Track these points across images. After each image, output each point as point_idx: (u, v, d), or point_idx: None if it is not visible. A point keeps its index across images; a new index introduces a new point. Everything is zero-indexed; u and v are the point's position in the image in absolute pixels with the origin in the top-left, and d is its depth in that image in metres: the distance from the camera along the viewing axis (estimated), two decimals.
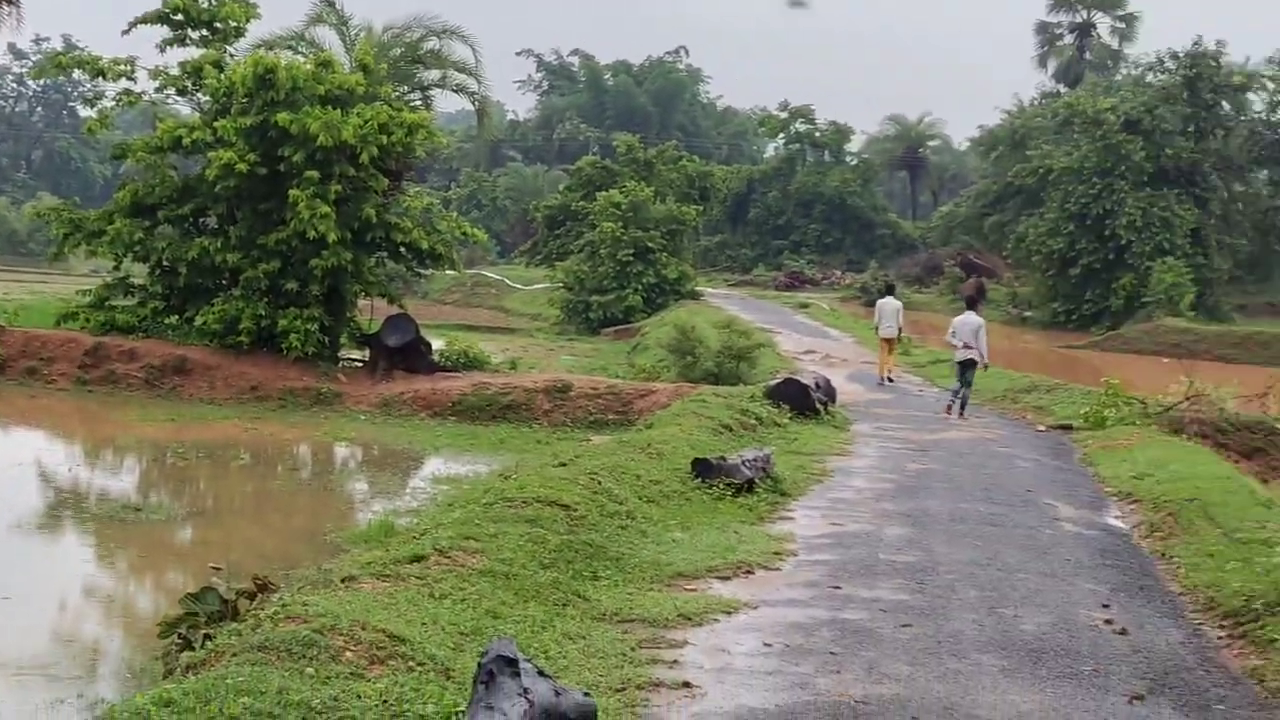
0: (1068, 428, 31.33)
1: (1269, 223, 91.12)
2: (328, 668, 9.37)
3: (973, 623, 13.28)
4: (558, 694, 8.84)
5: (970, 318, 32.24)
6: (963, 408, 32.03)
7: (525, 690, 8.44)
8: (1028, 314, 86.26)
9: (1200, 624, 14.25)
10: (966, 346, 31.68)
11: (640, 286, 66.40)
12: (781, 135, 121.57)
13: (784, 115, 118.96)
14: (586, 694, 9.30)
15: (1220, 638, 13.71)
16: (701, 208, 79.02)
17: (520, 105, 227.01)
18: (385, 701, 9.02)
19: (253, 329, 35.47)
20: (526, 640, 11.05)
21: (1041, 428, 31.91)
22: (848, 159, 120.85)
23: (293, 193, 34.90)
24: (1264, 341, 69.46)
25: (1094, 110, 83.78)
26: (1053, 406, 34.68)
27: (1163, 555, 17.92)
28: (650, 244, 66.90)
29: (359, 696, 8.96)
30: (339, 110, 35.56)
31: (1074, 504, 21.54)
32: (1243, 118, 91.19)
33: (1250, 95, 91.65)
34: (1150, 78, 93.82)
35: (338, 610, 10.47)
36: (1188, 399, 33.44)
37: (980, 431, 29.92)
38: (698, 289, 72.81)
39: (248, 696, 8.35)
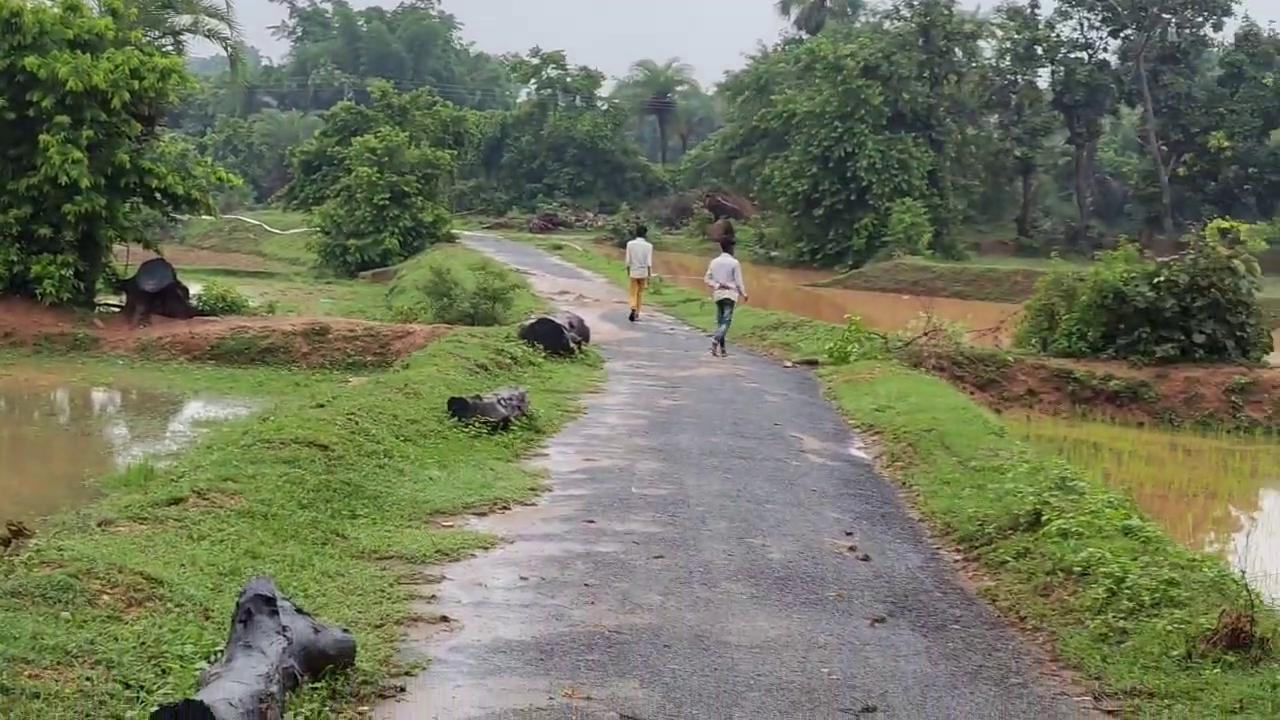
0: (813, 363, 31.79)
1: (999, 164, 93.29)
2: (84, 611, 9.16)
3: (723, 553, 13.43)
4: (316, 631, 8.78)
5: (725, 259, 32.60)
6: (722, 344, 32.37)
7: (283, 628, 8.37)
8: (774, 253, 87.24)
9: (938, 548, 14.61)
10: (723, 286, 32.02)
11: (397, 230, 65.69)
12: (533, 81, 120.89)
13: (536, 61, 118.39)
14: (345, 630, 9.26)
15: (956, 561, 14.08)
16: (456, 152, 78.25)
17: (275, 51, 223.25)
18: (143, 643, 8.86)
19: (5, 275, 34.37)
20: (285, 579, 10.91)
21: (788, 363, 32.34)
22: (598, 104, 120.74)
23: (43, 138, 33.82)
24: (996, 278, 71.13)
25: (834, 56, 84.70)
26: (799, 343, 35.13)
27: (903, 484, 18.32)
28: (406, 188, 66.20)
29: (116, 639, 8.79)
30: (89, 55, 34.52)
31: (819, 436, 21.89)
32: (974, 64, 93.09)
33: (981, 42, 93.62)
34: (887, 25, 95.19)
35: (94, 554, 10.22)
36: (926, 334, 34.18)
37: (730, 368, 30.22)
38: (454, 232, 72.21)
39: (1, 642, 8.12)
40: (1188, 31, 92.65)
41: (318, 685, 8.61)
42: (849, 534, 14.73)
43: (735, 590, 12.09)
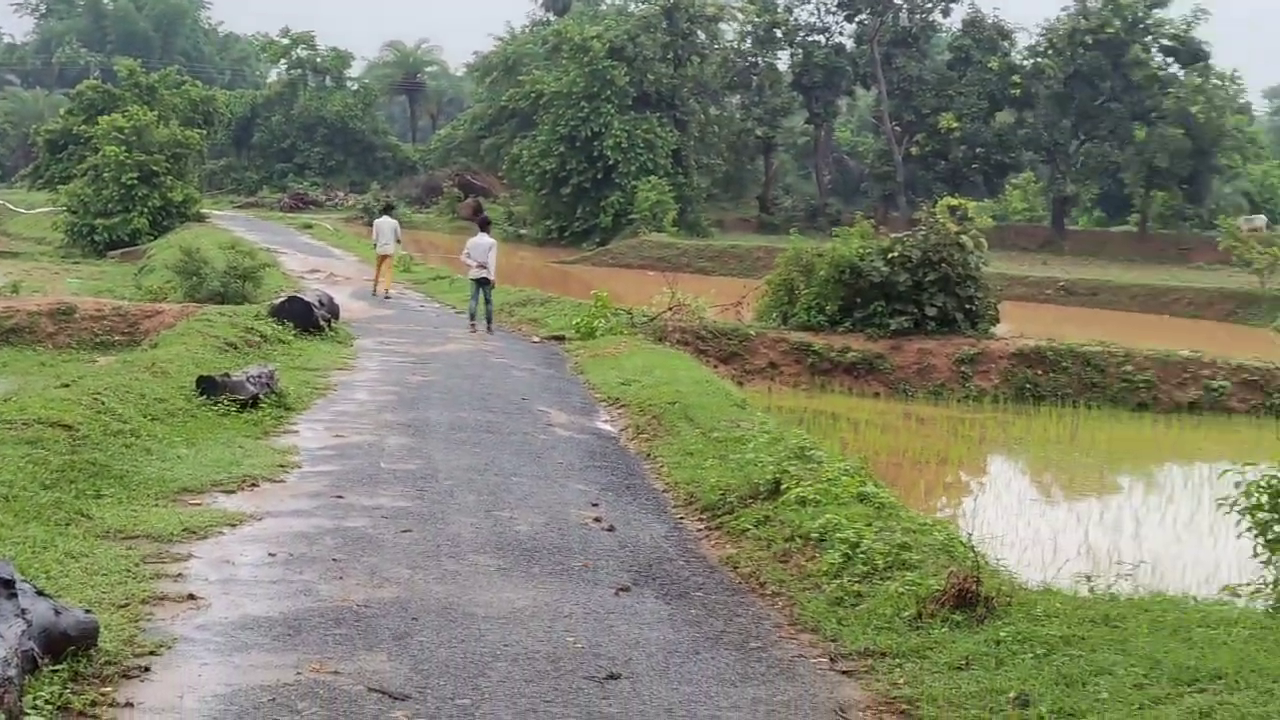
0: (561, 338, 31.84)
1: (741, 144, 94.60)
2: None
3: (470, 526, 13.36)
4: (58, 613, 8.53)
5: (483, 238, 32.37)
6: (489, 322, 32.21)
7: (22, 611, 8.12)
8: (523, 231, 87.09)
9: (681, 518, 14.73)
10: (481, 266, 31.82)
11: (146, 209, 64.23)
12: (283, 61, 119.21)
13: (286, 41, 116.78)
14: (88, 611, 9.01)
15: (699, 530, 14.20)
16: (206, 132, 76.74)
17: (18, 29, 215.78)
18: None
19: None
20: (26, 561, 10.53)
21: (536, 339, 32.33)
22: (349, 84, 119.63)
23: None
24: (739, 254, 72.00)
25: (581, 38, 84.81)
26: (547, 319, 35.13)
27: (648, 455, 18.43)
28: (155, 167, 64.77)
29: None
30: None
31: (566, 410, 21.92)
32: (717, 46, 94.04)
33: (723, 25, 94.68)
34: (633, 7, 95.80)
35: None
36: (670, 309, 34.41)
37: (478, 343, 30.11)
38: (204, 211, 70.87)
39: None
40: (918, 16, 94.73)
41: (59, 667, 8.35)
42: (595, 505, 14.77)
43: (483, 562, 12.04)
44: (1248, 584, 12.88)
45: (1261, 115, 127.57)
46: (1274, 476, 13.32)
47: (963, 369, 32.61)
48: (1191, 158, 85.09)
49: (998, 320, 35.36)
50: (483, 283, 32.01)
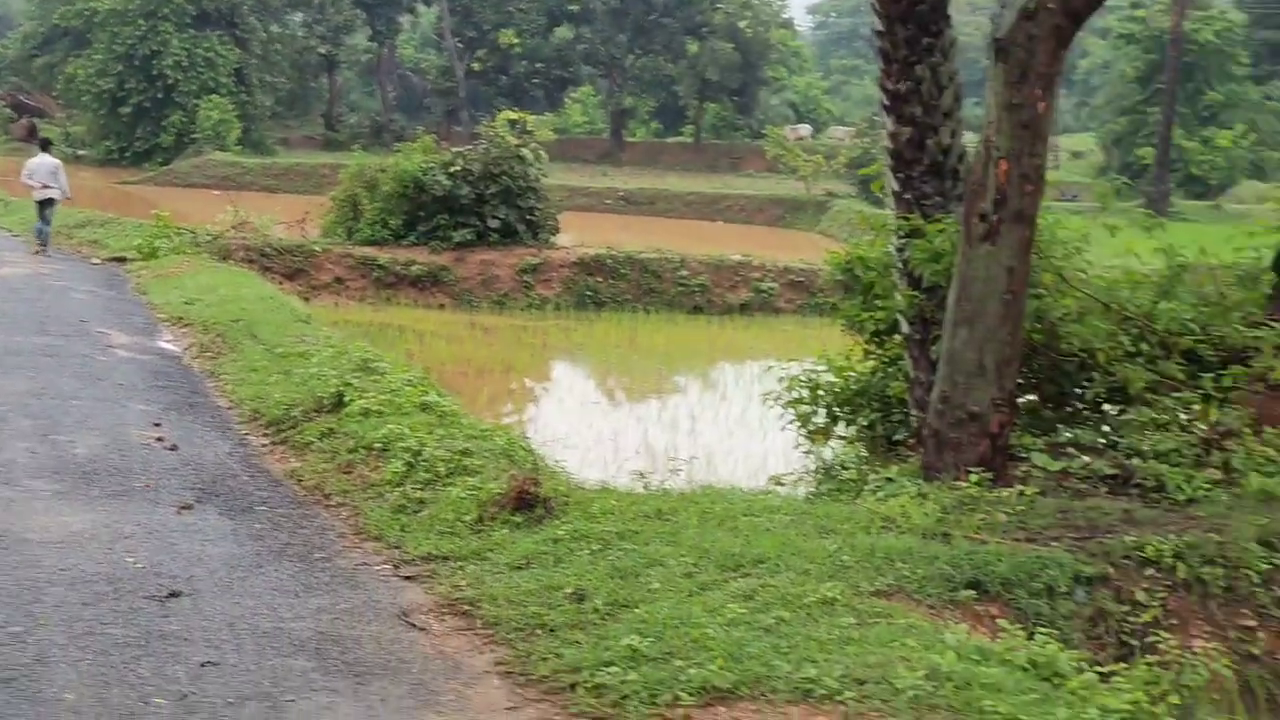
0: (122, 259, 30.91)
1: (305, 61, 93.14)
2: None
3: (25, 451, 12.82)
4: None
5: (46, 159, 31.34)
6: (46, 243, 31.05)
7: None
8: (81, 152, 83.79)
9: (246, 434, 14.49)
10: (45, 186, 30.77)
11: None
12: None
13: None
14: None
15: (264, 445, 14.00)
16: None
17: None
18: None
19: None
20: None
21: (96, 260, 31.29)
22: None
23: None
24: (304, 172, 71.09)
25: None
26: (108, 240, 34.04)
27: (212, 374, 18.05)
28: None
29: None
30: None
31: (128, 331, 21.28)
32: None
33: None
34: None
35: None
36: (235, 228, 33.79)
37: (35, 266, 28.92)
38: None
39: None
40: None
41: None
42: (157, 425, 14.38)
43: (38, 487, 11.57)
44: (791, 473, 13.46)
45: (804, 30, 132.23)
46: (814, 372, 13.91)
47: (525, 279, 32.99)
48: (740, 71, 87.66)
49: (558, 230, 35.89)
50: (47, 203, 30.94)
